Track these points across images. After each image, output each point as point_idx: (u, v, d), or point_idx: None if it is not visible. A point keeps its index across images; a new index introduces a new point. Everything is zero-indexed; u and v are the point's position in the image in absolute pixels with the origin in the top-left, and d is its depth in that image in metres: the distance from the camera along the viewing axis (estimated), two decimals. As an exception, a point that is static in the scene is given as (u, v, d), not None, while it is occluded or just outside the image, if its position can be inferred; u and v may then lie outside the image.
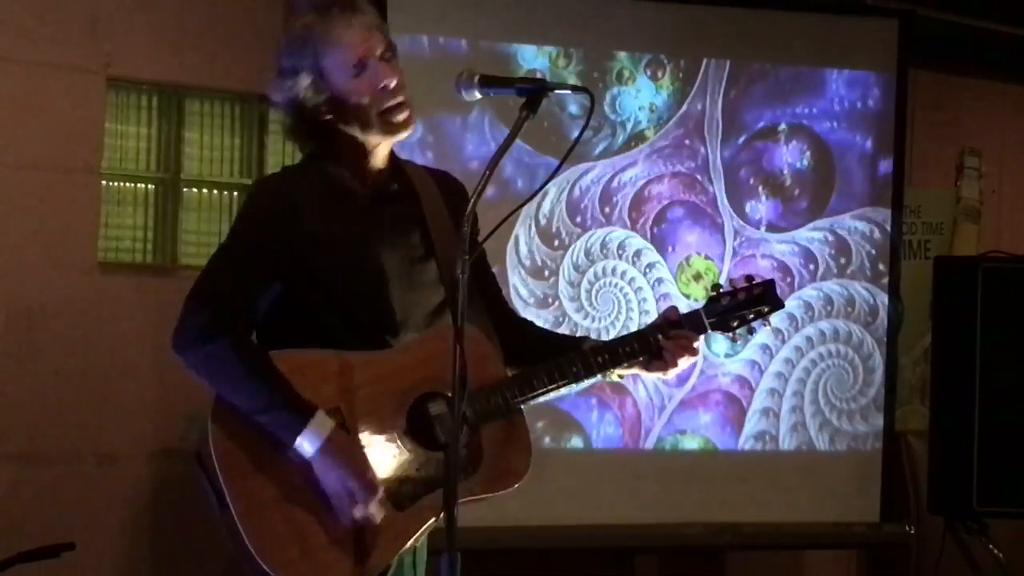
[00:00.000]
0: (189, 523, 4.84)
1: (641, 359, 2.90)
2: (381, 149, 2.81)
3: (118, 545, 4.91)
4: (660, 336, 2.89)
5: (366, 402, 2.67)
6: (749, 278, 2.97)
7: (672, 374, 2.93)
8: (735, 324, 2.95)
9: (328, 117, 2.76)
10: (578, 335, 3.24)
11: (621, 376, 3.01)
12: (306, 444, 2.59)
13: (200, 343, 2.64)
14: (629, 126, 5.11)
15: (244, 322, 2.69)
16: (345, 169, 2.79)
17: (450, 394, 2.62)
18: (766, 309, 2.97)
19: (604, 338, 3.06)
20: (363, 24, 2.76)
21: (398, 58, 2.80)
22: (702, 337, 2.94)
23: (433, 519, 2.68)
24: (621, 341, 2.91)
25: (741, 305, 2.95)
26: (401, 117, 2.75)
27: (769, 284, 2.99)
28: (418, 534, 2.71)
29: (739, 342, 3.06)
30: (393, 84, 2.75)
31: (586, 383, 2.94)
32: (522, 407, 2.81)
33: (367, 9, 2.79)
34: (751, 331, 2.98)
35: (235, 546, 2.60)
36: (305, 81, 2.74)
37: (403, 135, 2.79)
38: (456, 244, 2.60)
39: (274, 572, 2.57)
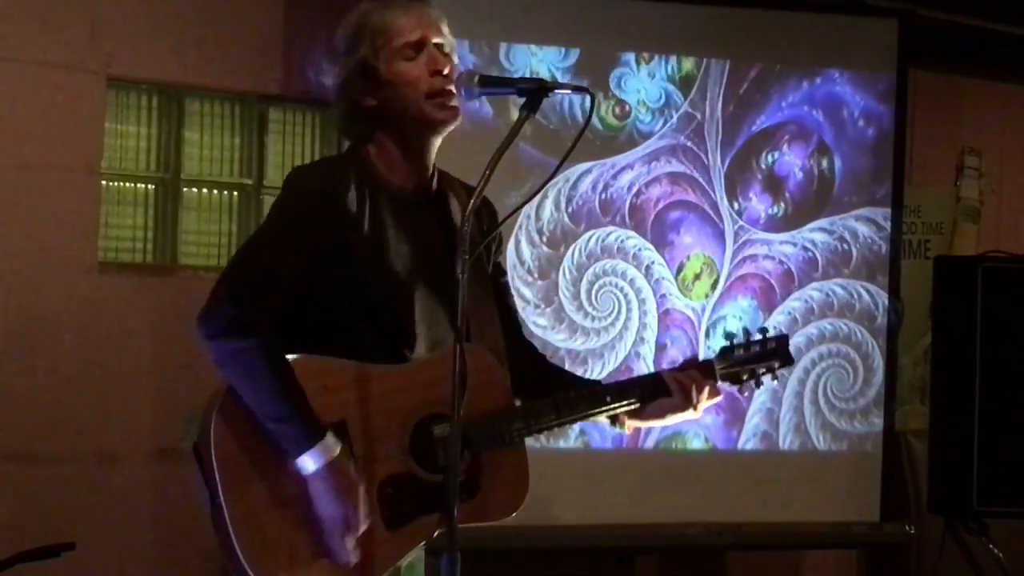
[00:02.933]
0: (189, 523, 4.84)
1: (654, 404, 2.85)
2: (424, 146, 2.73)
3: (118, 545, 4.90)
4: (673, 375, 2.86)
5: (374, 417, 2.62)
6: (763, 331, 2.97)
7: (694, 415, 2.88)
8: (745, 377, 2.95)
9: (372, 103, 2.69)
10: (591, 377, 3.14)
11: (629, 429, 2.93)
12: (308, 462, 2.55)
13: (230, 336, 2.55)
14: (629, 126, 5.11)
15: (274, 321, 2.61)
16: (384, 165, 2.72)
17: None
18: (777, 364, 2.97)
19: (603, 340, 3.04)
20: (422, 13, 2.72)
21: (454, 61, 2.73)
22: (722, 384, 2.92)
23: (423, 542, 2.66)
24: (632, 381, 2.92)
25: (753, 359, 2.95)
26: (450, 103, 2.68)
27: (782, 340, 2.99)
28: (407, 556, 2.69)
29: (745, 394, 3.02)
30: (447, 71, 2.69)
31: (590, 422, 2.90)
32: (523, 440, 2.77)
33: (430, 2, 2.76)
34: (758, 384, 2.97)
35: (223, 546, 2.56)
36: (356, 63, 2.68)
37: (448, 127, 2.71)
38: (481, 265, 2.61)
39: None
